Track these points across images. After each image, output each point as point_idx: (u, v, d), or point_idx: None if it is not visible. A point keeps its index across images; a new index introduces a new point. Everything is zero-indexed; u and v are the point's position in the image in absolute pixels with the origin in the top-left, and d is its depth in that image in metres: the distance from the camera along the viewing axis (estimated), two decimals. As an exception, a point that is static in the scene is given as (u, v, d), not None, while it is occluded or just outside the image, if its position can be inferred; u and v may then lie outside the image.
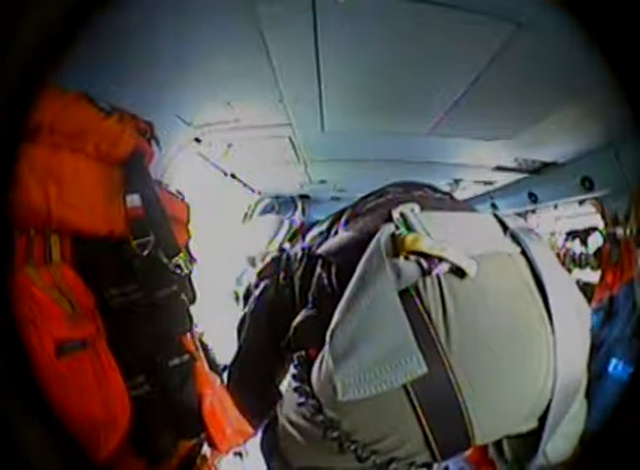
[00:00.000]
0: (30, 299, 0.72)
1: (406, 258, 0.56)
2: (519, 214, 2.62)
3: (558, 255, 2.49)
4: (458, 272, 0.56)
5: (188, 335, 1.28)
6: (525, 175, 2.39)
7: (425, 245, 0.55)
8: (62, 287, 0.80)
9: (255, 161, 2.33)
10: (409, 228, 0.59)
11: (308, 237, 0.83)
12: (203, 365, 1.34)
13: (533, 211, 2.63)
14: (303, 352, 0.71)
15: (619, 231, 1.82)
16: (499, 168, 2.29)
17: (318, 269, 0.70)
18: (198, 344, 1.37)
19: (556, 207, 2.48)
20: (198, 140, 1.70)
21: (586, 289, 2.31)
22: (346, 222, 0.71)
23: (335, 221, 0.76)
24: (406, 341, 0.53)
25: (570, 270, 2.50)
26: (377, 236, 0.58)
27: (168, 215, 1.12)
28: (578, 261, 2.46)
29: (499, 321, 0.58)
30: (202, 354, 1.37)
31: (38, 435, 0.45)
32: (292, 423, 0.68)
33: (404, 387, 0.55)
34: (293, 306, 0.81)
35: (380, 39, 1.03)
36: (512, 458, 0.69)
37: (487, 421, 0.59)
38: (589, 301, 2.11)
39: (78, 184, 0.87)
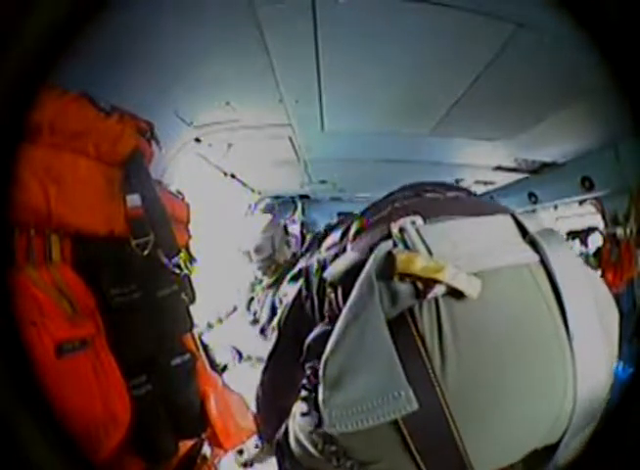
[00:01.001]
0: (30, 299, 0.72)
1: (400, 279, 0.51)
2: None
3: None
4: (458, 294, 0.50)
5: (188, 335, 1.28)
6: (525, 175, 2.39)
7: (418, 265, 0.50)
8: (62, 287, 0.80)
9: (255, 161, 2.33)
10: (407, 245, 0.54)
11: (323, 248, 0.79)
12: (204, 365, 1.34)
13: (533, 212, 2.63)
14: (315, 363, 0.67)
15: (619, 231, 1.82)
16: (499, 168, 2.29)
17: (328, 289, 0.68)
18: (198, 343, 1.37)
19: (556, 207, 2.48)
20: (198, 140, 1.70)
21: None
22: (355, 236, 0.67)
23: (346, 231, 0.71)
24: (395, 375, 0.49)
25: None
26: (371, 257, 0.54)
27: (168, 215, 1.12)
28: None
29: (505, 348, 0.52)
30: (202, 354, 1.38)
31: (38, 435, 0.45)
32: (299, 428, 0.68)
33: (396, 422, 0.51)
34: (313, 318, 0.79)
35: (380, 39, 1.03)
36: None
37: (488, 456, 0.55)
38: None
39: (78, 184, 0.87)
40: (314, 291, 0.78)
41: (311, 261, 0.81)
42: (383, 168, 2.50)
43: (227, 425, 1.25)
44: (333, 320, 0.64)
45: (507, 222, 0.60)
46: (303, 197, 3.90)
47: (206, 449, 1.30)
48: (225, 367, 2.27)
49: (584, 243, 2.43)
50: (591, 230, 2.38)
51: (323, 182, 3.10)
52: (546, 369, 0.53)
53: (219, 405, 1.23)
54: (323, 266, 0.75)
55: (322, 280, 0.73)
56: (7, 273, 0.63)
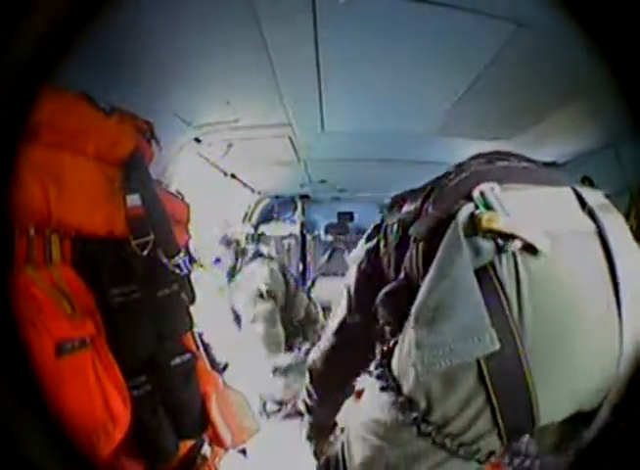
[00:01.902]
0: (30, 299, 0.72)
1: (484, 236, 0.59)
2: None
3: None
4: (532, 250, 0.58)
5: (188, 334, 1.28)
6: (525, 175, 2.38)
7: (500, 223, 0.58)
8: (62, 287, 0.80)
9: (255, 161, 2.33)
10: (488, 207, 0.61)
11: (404, 210, 0.86)
12: (204, 364, 1.34)
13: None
14: (388, 328, 0.77)
15: (620, 231, 1.82)
16: (499, 168, 2.29)
17: (411, 244, 0.75)
18: (199, 343, 1.37)
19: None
20: (198, 140, 1.70)
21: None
22: (435, 201, 0.74)
23: (425, 198, 0.78)
24: (482, 319, 0.57)
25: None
26: (456, 217, 0.62)
27: (168, 215, 1.12)
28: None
29: (569, 298, 0.59)
30: (203, 354, 1.38)
31: (38, 435, 0.45)
32: (379, 406, 0.71)
33: (477, 362, 0.59)
34: (384, 274, 0.88)
35: (380, 39, 1.03)
36: (553, 442, 0.72)
37: (552, 401, 0.61)
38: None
39: (78, 184, 0.87)
40: (392, 248, 0.85)
41: (392, 221, 0.88)
42: (382, 168, 2.50)
43: (228, 425, 1.25)
44: (408, 275, 0.75)
45: (570, 194, 0.68)
46: (303, 197, 3.90)
47: (207, 449, 1.30)
48: (226, 367, 2.27)
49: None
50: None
51: (323, 182, 3.10)
52: (600, 322, 0.60)
53: (220, 405, 1.23)
54: (403, 227, 0.82)
55: (402, 238, 0.81)
56: (7, 273, 0.63)
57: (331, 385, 1.21)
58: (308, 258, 4.20)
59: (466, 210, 0.63)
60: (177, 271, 1.14)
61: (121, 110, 1.01)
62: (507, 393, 0.59)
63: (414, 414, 0.63)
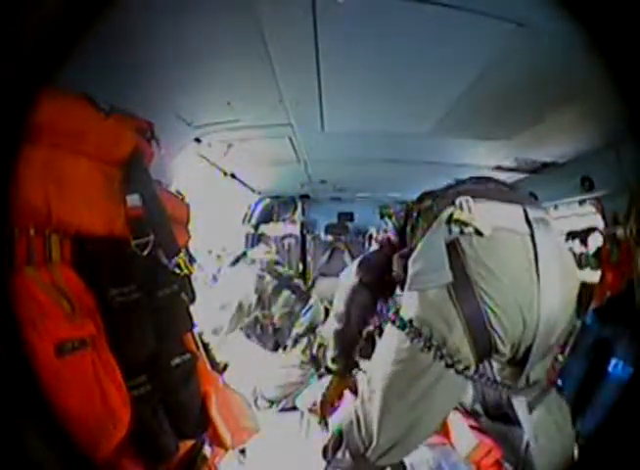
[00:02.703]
0: (30, 299, 0.72)
1: (454, 223, 0.99)
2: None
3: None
4: (479, 233, 0.96)
5: (189, 334, 1.29)
6: (525, 175, 2.39)
7: (463, 216, 0.98)
8: (62, 287, 0.79)
9: (255, 161, 2.33)
10: (461, 209, 1.00)
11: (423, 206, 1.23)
12: (204, 364, 1.35)
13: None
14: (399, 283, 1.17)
15: (619, 231, 1.82)
16: (499, 168, 2.29)
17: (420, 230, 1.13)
18: (199, 343, 1.37)
19: (556, 207, 2.48)
20: (198, 140, 1.70)
21: (586, 289, 2.31)
22: (440, 201, 1.11)
23: (436, 197, 1.16)
24: (443, 261, 0.96)
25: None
26: (443, 212, 1.03)
27: (168, 215, 1.12)
28: (578, 261, 2.45)
29: (503, 263, 0.95)
30: (203, 354, 1.38)
31: (38, 435, 0.45)
32: (397, 342, 1.02)
33: (450, 297, 0.94)
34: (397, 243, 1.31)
35: (380, 39, 1.03)
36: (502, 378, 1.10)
37: (504, 320, 0.93)
38: (589, 301, 2.11)
39: (78, 184, 0.87)
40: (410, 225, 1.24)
41: (421, 207, 1.23)
42: (382, 168, 2.50)
43: (228, 425, 1.25)
44: (412, 243, 1.14)
45: (519, 209, 1.03)
46: (303, 197, 3.90)
47: (207, 449, 1.30)
48: (226, 367, 2.28)
49: (584, 243, 2.43)
50: (591, 230, 2.38)
51: (323, 182, 3.10)
52: (525, 285, 0.95)
53: (220, 405, 1.24)
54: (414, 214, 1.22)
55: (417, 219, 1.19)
56: (7, 273, 0.63)
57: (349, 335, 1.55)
58: (308, 258, 4.20)
59: (449, 210, 1.02)
60: (177, 271, 1.14)
61: (121, 110, 1.01)
62: (473, 321, 0.93)
63: (421, 340, 0.95)
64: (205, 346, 1.46)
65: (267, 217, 3.85)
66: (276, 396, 2.47)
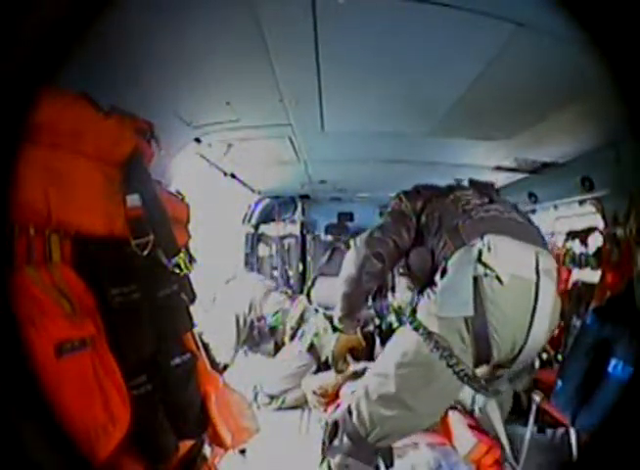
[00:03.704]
0: (30, 299, 0.72)
1: (481, 265, 1.20)
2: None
3: (558, 255, 2.49)
4: (499, 279, 1.17)
5: (188, 334, 1.28)
6: (525, 175, 2.39)
7: (489, 261, 1.19)
8: (62, 287, 0.79)
9: (255, 161, 2.33)
10: (489, 250, 1.21)
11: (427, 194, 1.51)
12: (204, 364, 1.34)
13: (533, 212, 2.64)
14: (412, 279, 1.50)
15: (619, 231, 1.82)
16: (499, 168, 2.29)
17: (443, 235, 1.34)
18: (199, 343, 1.37)
19: (556, 207, 2.48)
20: (198, 140, 1.70)
21: (586, 289, 2.31)
22: (469, 228, 1.32)
23: (464, 211, 1.39)
24: (468, 297, 1.16)
25: (569, 270, 2.52)
26: (472, 250, 1.23)
27: (168, 215, 1.12)
28: (578, 261, 2.46)
29: (509, 304, 1.19)
30: (202, 354, 1.38)
31: (38, 435, 0.45)
32: (400, 353, 1.25)
33: (466, 322, 1.17)
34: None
35: (380, 39, 1.03)
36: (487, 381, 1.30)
37: (501, 344, 1.19)
38: (589, 301, 2.11)
39: (78, 184, 0.87)
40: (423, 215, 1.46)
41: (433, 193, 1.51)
42: (382, 168, 2.50)
43: (228, 425, 1.25)
44: (428, 239, 1.41)
45: (532, 257, 1.22)
46: (303, 197, 3.90)
47: (206, 449, 1.30)
48: (226, 367, 2.28)
49: (584, 243, 2.43)
50: (591, 230, 2.38)
51: (323, 182, 3.10)
52: (520, 321, 1.20)
53: (220, 405, 1.23)
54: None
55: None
56: (7, 273, 0.63)
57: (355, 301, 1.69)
58: (308, 258, 4.20)
59: (479, 245, 1.20)
60: (177, 271, 1.14)
61: (121, 110, 1.01)
62: (479, 337, 1.17)
63: (433, 344, 1.17)
64: (205, 346, 1.46)
65: (267, 217, 3.85)
66: (277, 390, 2.48)
